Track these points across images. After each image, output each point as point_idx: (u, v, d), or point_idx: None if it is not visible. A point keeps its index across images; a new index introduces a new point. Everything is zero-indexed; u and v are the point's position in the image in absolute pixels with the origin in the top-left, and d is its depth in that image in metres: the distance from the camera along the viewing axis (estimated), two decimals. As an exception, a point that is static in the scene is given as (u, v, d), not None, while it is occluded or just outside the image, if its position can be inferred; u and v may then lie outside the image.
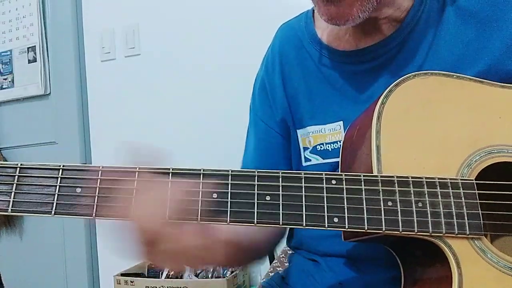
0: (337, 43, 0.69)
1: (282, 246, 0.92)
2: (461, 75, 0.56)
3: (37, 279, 2.03)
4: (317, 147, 0.69)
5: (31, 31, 1.99)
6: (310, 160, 0.70)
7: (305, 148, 0.71)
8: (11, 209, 0.44)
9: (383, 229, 0.46)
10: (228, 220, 0.45)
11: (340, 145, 0.65)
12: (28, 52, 1.99)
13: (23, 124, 2.09)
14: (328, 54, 0.70)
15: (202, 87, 1.75)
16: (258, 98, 0.78)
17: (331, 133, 0.67)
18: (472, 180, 0.50)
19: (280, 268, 1.05)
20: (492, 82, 0.57)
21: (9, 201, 0.44)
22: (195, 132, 1.75)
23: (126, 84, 1.90)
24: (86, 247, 1.95)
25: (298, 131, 0.72)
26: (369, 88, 0.66)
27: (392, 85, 0.54)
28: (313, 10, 0.76)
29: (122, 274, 1.59)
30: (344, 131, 0.66)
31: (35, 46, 2.00)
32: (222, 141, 1.67)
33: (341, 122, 0.67)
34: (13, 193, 0.44)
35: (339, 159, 0.62)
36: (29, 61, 1.99)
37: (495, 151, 0.52)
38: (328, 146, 0.68)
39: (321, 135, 0.68)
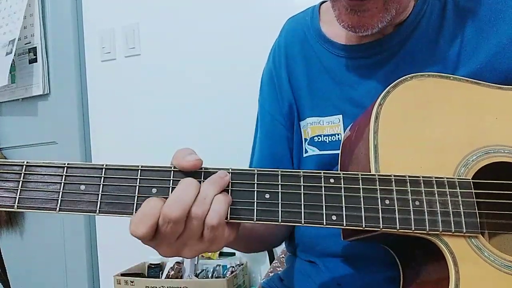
0: (341, 38, 0.70)
1: (282, 246, 0.92)
2: (458, 76, 0.57)
3: (37, 279, 2.03)
4: (314, 138, 0.69)
5: (17, 26, 1.97)
6: (307, 152, 0.71)
7: (305, 140, 0.72)
8: (17, 206, 0.45)
9: (381, 227, 0.47)
10: (229, 218, 0.45)
11: (338, 138, 0.67)
12: (7, 45, 1.96)
13: (23, 124, 2.09)
14: (331, 48, 0.71)
15: (202, 87, 1.75)
16: (267, 91, 0.79)
17: (330, 125, 0.68)
18: (469, 179, 0.50)
19: (280, 268, 1.05)
20: (488, 83, 0.57)
21: (15, 197, 0.45)
22: (196, 132, 1.75)
23: (126, 84, 1.91)
24: (86, 247, 1.95)
25: (300, 122, 0.73)
26: (368, 83, 0.67)
27: (390, 86, 0.55)
28: (319, 5, 0.77)
29: (122, 274, 1.59)
30: (343, 125, 0.67)
31: (35, 46, 2.00)
32: (223, 141, 1.67)
33: (341, 115, 0.68)
34: (19, 190, 0.45)
35: (336, 151, 0.63)
36: (7, 53, 1.96)
37: (492, 151, 0.53)
38: (326, 138, 0.68)
39: (320, 127, 0.69)
